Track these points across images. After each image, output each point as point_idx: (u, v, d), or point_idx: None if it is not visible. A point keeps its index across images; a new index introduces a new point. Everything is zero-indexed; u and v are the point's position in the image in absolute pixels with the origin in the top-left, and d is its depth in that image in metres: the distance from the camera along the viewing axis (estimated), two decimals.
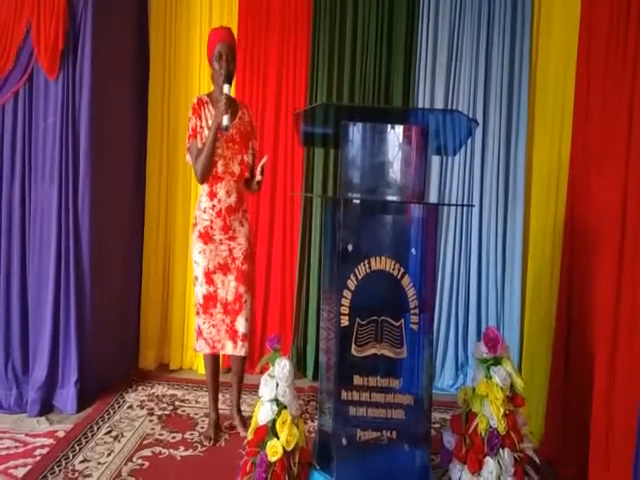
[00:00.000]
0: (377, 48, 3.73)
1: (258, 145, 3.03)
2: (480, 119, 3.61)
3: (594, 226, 2.63)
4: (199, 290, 2.87)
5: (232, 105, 2.73)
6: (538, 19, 3.56)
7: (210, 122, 2.76)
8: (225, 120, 2.63)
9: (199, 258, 2.85)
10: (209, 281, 2.85)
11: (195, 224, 2.87)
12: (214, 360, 2.98)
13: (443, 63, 3.72)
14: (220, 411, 3.04)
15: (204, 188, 2.84)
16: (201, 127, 2.78)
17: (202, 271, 2.84)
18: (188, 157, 2.85)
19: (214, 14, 3.78)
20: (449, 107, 3.71)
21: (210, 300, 2.86)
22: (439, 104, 3.72)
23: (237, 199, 2.85)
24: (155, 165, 3.84)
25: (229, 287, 2.87)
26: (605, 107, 2.54)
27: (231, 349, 2.90)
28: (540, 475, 2.42)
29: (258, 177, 2.79)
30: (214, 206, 2.81)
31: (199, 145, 2.76)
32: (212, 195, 2.82)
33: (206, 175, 2.76)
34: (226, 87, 2.71)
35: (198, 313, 2.89)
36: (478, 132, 3.62)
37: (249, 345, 2.96)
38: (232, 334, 2.88)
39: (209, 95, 2.89)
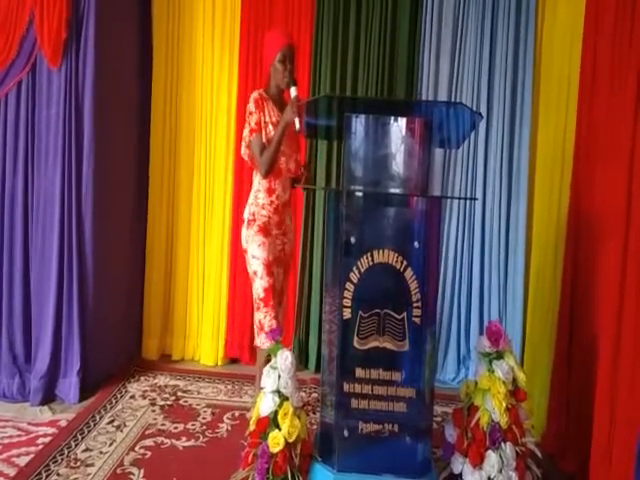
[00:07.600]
0: (380, 39, 3.69)
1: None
2: (484, 110, 3.59)
3: (598, 217, 2.60)
4: (260, 284, 2.82)
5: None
6: (543, 4, 3.52)
7: (272, 118, 2.79)
8: (297, 123, 2.65)
9: (259, 251, 2.83)
10: (269, 273, 2.84)
11: (253, 220, 2.85)
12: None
13: (447, 53, 3.69)
14: (223, 402, 3.04)
15: (261, 184, 2.84)
16: (265, 122, 2.80)
17: (262, 263, 2.82)
18: (246, 150, 2.85)
19: (217, 1, 3.76)
20: (453, 97, 3.68)
21: (271, 292, 2.84)
22: (443, 95, 3.70)
23: (289, 195, 2.95)
24: (158, 154, 3.83)
25: (279, 279, 2.97)
26: (611, 96, 2.51)
27: None
28: (542, 469, 2.42)
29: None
30: (272, 202, 2.85)
31: (264, 139, 2.78)
32: (271, 192, 2.85)
33: (272, 170, 2.79)
34: (294, 89, 2.74)
35: (259, 308, 2.83)
36: (482, 124, 3.59)
37: None
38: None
39: (266, 92, 2.88)
